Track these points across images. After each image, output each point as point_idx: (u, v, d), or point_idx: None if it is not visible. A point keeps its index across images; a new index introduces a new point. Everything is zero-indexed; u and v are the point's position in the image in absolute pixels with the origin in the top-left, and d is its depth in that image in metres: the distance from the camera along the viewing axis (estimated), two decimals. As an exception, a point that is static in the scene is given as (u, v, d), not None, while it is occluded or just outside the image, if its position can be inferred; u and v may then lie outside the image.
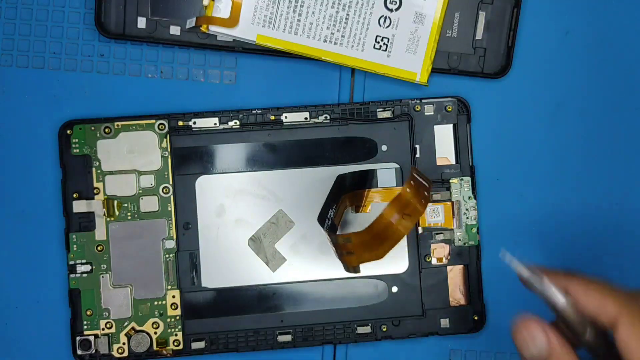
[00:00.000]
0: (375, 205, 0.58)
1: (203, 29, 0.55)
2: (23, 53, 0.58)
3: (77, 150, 0.58)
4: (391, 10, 0.55)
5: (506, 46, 0.57)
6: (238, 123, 0.58)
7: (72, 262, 0.58)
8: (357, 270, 0.53)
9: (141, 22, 0.57)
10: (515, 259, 0.44)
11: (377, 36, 0.56)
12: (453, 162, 0.58)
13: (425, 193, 0.49)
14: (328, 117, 0.58)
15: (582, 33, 0.59)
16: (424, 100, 0.58)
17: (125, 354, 0.58)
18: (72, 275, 0.58)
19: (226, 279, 0.58)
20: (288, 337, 0.59)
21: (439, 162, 0.58)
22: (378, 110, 0.58)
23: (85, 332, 0.58)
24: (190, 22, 0.56)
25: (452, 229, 0.58)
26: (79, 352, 0.57)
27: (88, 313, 0.58)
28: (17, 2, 0.58)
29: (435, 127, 0.58)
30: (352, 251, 0.50)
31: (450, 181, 0.58)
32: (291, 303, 0.59)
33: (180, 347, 0.58)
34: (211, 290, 0.58)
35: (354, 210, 0.58)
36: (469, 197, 0.57)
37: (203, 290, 0.58)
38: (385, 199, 0.58)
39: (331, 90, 0.59)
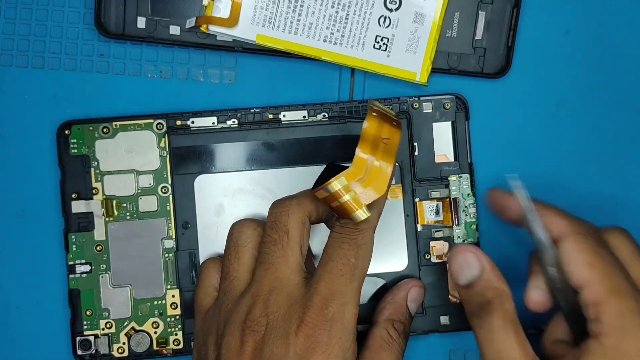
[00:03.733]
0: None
1: (203, 28, 0.55)
2: (23, 53, 0.58)
3: (76, 151, 0.58)
4: (391, 10, 0.55)
5: (506, 46, 0.57)
6: (236, 122, 0.58)
7: (71, 263, 0.58)
8: (365, 213, 0.49)
9: (141, 22, 0.57)
10: (523, 189, 0.50)
11: (376, 36, 0.56)
12: (452, 159, 0.58)
13: (394, 117, 0.49)
14: (326, 116, 0.58)
15: (582, 33, 0.59)
16: (422, 98, 0.58)
17: (126, 353, 0.58)
18: (71, 276, 0.58)
19: None
20: None
21: (437, 160, 0.58)
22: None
23: (85, 332, 0.58)
24: (190, 22, 0.56)
25: (452, 226, 0.58)
26: (79, 352, 0.57)
27: (88, 313, 0.58)
28: (17, 2, 0.58)
29: (434, 124, 0.58)
30: (350, 190, 0.48)
31: (449, 178, 0.58)
32: None
33: (181, 346, 0.58)
34: None
35: None
36: (468, 194, 0.58)
37: None
38: None
39: (331, 90, 0.59)
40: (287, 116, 0.58)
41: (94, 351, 0.58)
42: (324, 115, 0.58)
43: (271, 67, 0.58)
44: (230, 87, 0.59)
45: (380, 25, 0.55)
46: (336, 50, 0.56)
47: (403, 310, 0.54)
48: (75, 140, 0.57)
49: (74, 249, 0.58)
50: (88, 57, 0.58)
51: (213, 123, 0.58)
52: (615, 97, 0.59)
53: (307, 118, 0.58)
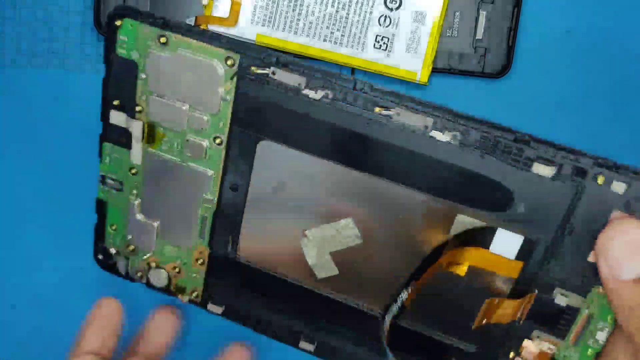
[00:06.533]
0: (475, 269, 0.47)
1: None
2: (23, 53, 0.59)
3: (124, 52, 0.48)
4: (391, 10, 0.54)
5: (507, 46, 0.57)
6: (329, 95, 0.46)
7: (103, 173, 0.53)
8: None
9: (141, 21, 0.57)
10: None
11: (377, 35, 0.55)
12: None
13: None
14: (457, 137, 0.44)
15: (583, 33, 0.58)
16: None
17: (144, 280, 0.56)
18: (102, 186, 0.53)
19: (263, 259, 0.53)
20: (310, 347, 0.54)
21: None
22: (538, 160, 0.45)
23: (107, 246, 0.56)
24: (190, 22, 0.56)
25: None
26: (100, 257, 0.57)
27: (113, 228, 0.55)
28: (17, 2, 0.58)
29: None
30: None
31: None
32: (323, 317, 0.54)
33: (199, 299, 0.56)
34: (244, 264, 0.54)
35: (447, 267, 0.47)
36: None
37: (236, 261, 0.54)
38: (490, 267, 0.47)
39: (331, 90, 0.57)
40: (402, 115, 0.45)
41: (113, 262, 0.56)
42: (454, 136, 0.45)
43: (271, 67, 0.57)
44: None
45: (380, 25, 0.55)
46: (336, 49, 0.56)
47: None
48: (125, 39, 0.48)
49: (107, 161, 0.53)
50: (88, 57, 0.59)
51: (299, 84, 0.46)
52: (616, 97, 0.58)
53: (429, 129, 0.45)
